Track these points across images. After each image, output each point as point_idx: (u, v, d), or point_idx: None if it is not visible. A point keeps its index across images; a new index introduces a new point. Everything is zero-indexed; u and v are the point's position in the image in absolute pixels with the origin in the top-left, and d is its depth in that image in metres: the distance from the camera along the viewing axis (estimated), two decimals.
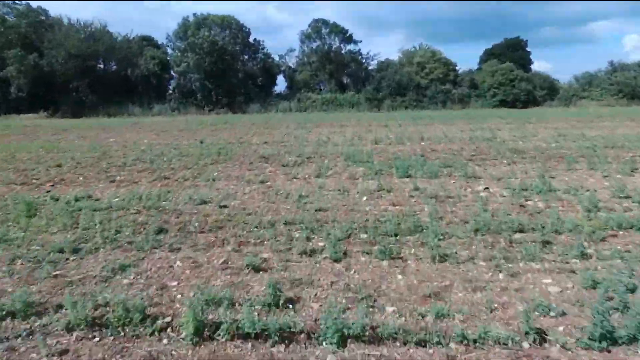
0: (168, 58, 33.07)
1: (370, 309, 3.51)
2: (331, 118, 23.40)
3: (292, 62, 38.29)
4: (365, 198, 7.00)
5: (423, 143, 13.19)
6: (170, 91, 33.54)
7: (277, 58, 37.72)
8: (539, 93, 34.49)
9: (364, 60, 37.44)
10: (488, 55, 38.66)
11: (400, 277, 4.13)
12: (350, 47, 36.95)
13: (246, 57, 34.69)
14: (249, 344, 3.10)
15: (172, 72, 33.58)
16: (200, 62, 31.38)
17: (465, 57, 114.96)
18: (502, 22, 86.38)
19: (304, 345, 3.09)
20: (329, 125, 18.98)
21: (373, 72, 35.72)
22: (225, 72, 32.43)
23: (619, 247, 4.66)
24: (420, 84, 34.28)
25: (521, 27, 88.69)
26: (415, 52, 37.72)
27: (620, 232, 5.17)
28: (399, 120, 21.76)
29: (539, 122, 19.36)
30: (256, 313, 3.43)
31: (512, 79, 33.64)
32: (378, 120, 21.81)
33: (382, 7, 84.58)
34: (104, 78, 32.54)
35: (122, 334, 3.25)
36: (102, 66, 34.16)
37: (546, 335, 3.10)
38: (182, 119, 26.37)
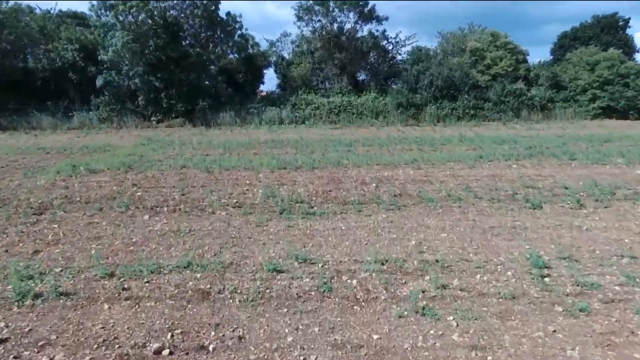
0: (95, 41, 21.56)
1: None
2: (344, 146, 11.68)
3: (287, 51, 26.58)
4: None
5: None
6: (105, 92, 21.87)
7: (265, 45, 25.94)
8: None
9: (390, 47, 25.26)
10: (570, 41, 26.62)
11: None
12: (371, 27, 24.77)
13: (216, 39, 23.01)
14: None
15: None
16: (138, 46, 19.87)
17: None
18: (504, 20, 77.70)
19: None
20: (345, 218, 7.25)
21: (406, 66, 23.62)
22: (180, 63, 20.88)
23: None
24: (478, 82, 22.44)
25: (521, 25, 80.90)
26: (467, 36, 25.76)
27: None
28: (511, 162, 9.98)
29: None
30: None
31: (623, 75, 21.68)
32: (455, 155, 10.05)
33: (384, 4, 72.43)
34: None
35: None
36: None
37: None
38: (64, 138, 14.81)
